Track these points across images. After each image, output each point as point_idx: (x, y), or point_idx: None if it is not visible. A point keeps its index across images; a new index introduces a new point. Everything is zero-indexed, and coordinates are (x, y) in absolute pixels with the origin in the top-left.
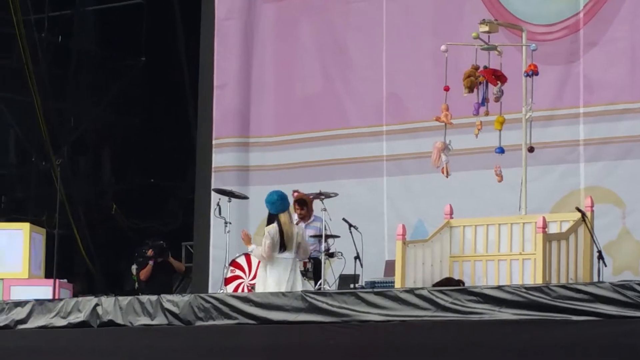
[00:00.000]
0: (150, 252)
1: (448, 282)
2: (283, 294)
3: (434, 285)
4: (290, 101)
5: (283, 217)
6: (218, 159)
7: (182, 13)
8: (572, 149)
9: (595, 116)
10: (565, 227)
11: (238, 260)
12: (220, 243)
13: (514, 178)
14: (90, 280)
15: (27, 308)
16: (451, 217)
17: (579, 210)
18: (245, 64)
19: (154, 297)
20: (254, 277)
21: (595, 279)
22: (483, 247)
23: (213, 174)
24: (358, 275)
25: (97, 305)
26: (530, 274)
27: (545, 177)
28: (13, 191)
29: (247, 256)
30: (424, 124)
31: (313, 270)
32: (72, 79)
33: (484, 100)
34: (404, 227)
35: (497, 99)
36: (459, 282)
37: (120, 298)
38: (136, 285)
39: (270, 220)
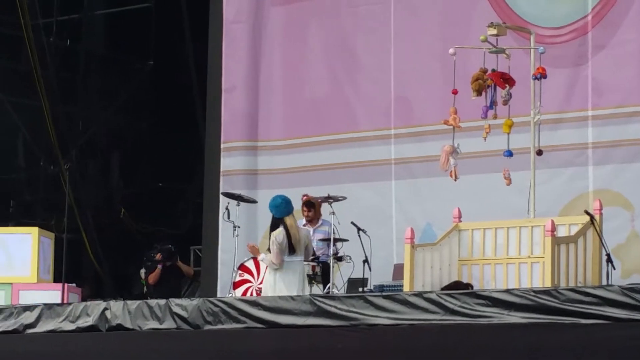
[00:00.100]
0: (158, 256)
1: (457, 286)
2: (292, 297)
3: (442, 289)
4: (298, 104)
5: (289, 220)
6: (226, 162)
7: (190, 16)
8: (580, 151)
9: (603, 119)
10: (574, 230)
11: (247, 264)
12: (229, 247)
13: (523, 181)
14: (99, 284)
15: (36, 312)
16: (460, 221)
17: (587, 213)
18: (254, 67)
19: (162, 301)
20: (263, 281)
21: (604, 282)
22: (492, 251)
23: (221, 178)
24: (367, 279)
25: (105, 309)
26: (538, 277)
27: (553, 180)
28: (22, 195)
29: (256, 260)
30: (432, 127)
31: (322, 274)
32: (81, 83)
33: (492, 104)
34: (412, 230)
35: (506, 102)
36: (468, 286)
37: (129, 302)
38: (145, 289)
39: (274, 225)
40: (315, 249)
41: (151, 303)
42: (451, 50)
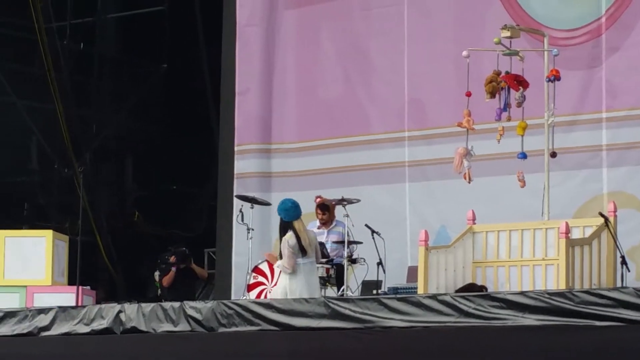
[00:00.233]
0: (172, 259)
1: (471, 288)
2: (306, 300)
3: (456, 291)
4: (311, 107)
5: (297, 224)
6: (240, 165)
7: (204, 19)
8: (594, 154)
9: (617, 121)
10: (588, 232)
11: (260, 266)
12: (243, 249)
13: (537, 183)
14: (113, 287)
15: (50, 315)
16: (474, 223)
17: (602, 215)
18: (267, 70)
19: (176, 304)
20: (277, 284)
21: (619, 285)
22: (506, 253)
23: (235, 181)
24: (381, 281)
25: (120, 312)
26: (553, 280)
27: (567, 183)
28: (36, 198)
29: (270, 263)
30: (446, 130)
31: (336, 276)
32: (94, 86)
33: (506, 106)
34: (426, 232)
35: (519, 105)
36: (482, 288)
37: (143, 305)
38: (159, 291)
39: (283, 230)
40: (329, 250)
41: (165, 306)
42: (465, 53)
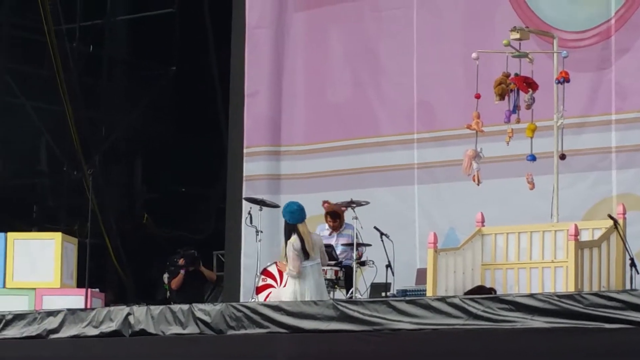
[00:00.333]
0: (181, 261)
1: (480, 290)
2: (315, 302)
3: (465, 294)
4: (321, 109)
5: (302, 227)
6: (249, 167)
7: (213, 22)
8: (604, 156)
9: (627, 123)
10: (598, 234)
11: (269, 269)
12: (252, 252)
13: (546, 186)
14: (122, 289)
15: (59, 317)
16: (483, 225)
17: (611, 217)
18: (276, 72)
19: (185, 306)
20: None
21: (628, 287)
22: (515, 255)
23: (244, 183)
24: (389, 284)
25: (129, 314)
26: (562, 282)
27: (577, 185)
28: (45, 200)
29: (279, 267)
30: (455, 132)
31: (344, 279)
32: (104, 88)
33: (515, 108)
34: (435, 235)
35: (529, 107)
36: (491, 290)
37: (152, 307)
38: (168, 294)
39: (288, 233)
40: (338, 252)
41: (174, 308)
42: (474, 55)
